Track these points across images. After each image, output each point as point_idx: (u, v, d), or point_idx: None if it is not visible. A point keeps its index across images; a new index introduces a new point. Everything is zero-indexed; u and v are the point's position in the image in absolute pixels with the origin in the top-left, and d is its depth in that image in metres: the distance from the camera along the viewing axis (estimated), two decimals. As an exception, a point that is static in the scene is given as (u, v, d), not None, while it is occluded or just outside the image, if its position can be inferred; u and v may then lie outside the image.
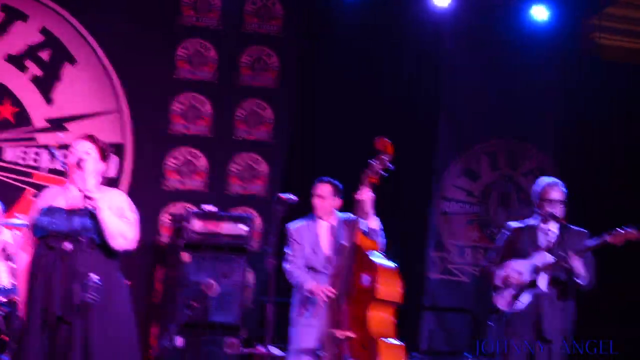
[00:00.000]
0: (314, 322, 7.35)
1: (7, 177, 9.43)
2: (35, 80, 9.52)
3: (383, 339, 6.89)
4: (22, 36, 9.56)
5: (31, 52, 9.56)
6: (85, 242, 6.21)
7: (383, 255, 7.11)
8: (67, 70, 9.59)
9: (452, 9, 10.25)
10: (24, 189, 9.37)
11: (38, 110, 9.49)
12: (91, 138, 6.68)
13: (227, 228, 9.18)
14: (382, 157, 6.96)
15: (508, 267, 7.43)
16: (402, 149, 7.08)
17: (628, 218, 7.60)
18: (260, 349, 8.70)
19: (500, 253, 7.53)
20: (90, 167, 6.48)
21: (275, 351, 8.65)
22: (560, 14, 10.33)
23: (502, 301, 7.43)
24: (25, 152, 9.45)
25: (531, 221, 7.51)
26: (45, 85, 9.55)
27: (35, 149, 9.46)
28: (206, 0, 10.03)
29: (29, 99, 9.49)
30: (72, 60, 9.58)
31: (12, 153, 9.46)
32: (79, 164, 6.44)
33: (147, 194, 9.37)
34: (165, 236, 9.58)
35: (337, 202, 7.63)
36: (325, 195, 7.60)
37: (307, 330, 7.41)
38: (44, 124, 9.48)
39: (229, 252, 9.12)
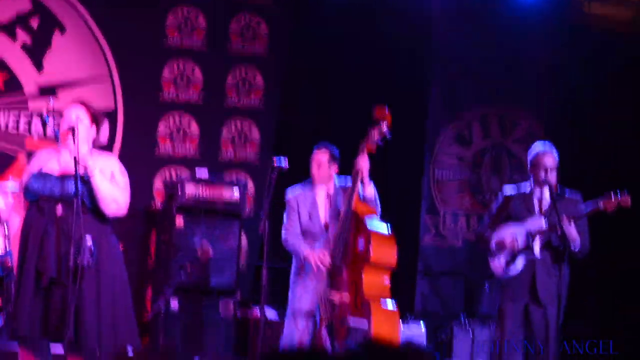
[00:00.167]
0: (311, 285, 7.39)
1: (-1, 144, 9.42)
2: (25, 47, 9.48)
3: (377, 302, 6.95)
4: (12, 4, 9.50)
5: (21, 20, 9.50)
6: (77, 206, 6.23)
7: (379, 221, 7.17)
8: (57, 38, 9.54)
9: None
10: (16, 155, 9.34)
11: (29, 78, 9.45)
12: (83, 104, 6.69)
13: (220, 193, 9.18)
14: (381, 125, 6.99)
15: (502, 232, 7.46)
16: (394, 116, 7.11)
17: (617, 181, 7.67)
18: (256, 311, 8.74)
19: (495, 218, 7.57)
20: (82, 133, 6.50)
21: (270, 313, 8.69)
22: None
23: (497, 265, 7.48)
24: (17, 118, 9.41)
25: (525, 187, 7.54)
26: (36, 52, 9.51)
27: (26, 116, 9.43)
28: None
29: (19, 67, 9.44)
30: (62, 28, 9.53)
31: (3, 120, 9.43)
32: (71, 130, 6.45)
33: (139, 160, 9.36)
34: (158, 202, 9.59)
35: (334, 168, 7.64)
36: (322, 162, 7.60)
37: (304, 293, 7.45)
38: (36, 91, 9.45)
39: (223, 216, 9.14)
